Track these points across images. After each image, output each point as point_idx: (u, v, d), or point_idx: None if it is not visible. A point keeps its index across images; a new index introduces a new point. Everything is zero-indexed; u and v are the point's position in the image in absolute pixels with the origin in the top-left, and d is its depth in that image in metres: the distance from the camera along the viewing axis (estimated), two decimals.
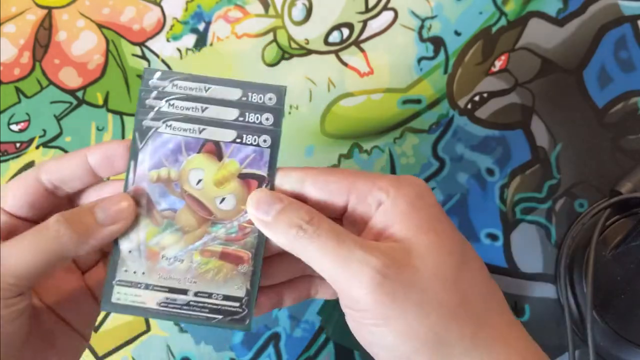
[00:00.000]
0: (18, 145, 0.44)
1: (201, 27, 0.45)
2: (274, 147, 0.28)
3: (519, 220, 0.42)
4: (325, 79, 0.44)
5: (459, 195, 0.42)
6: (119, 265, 0.29)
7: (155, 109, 0.29)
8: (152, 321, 0.42)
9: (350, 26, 0.45)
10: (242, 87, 0.28)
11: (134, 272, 0.29)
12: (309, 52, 0.44)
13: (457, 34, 0.44)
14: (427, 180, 0.42)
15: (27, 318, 0.27)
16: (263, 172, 0.28)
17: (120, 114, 0.45)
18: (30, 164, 0.44)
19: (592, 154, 0.42)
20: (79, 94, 0.45)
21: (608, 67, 0.43)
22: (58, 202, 0.29)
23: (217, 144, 0.28)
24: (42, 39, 0.46)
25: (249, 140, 0.28)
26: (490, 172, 0.42)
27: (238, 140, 0.28)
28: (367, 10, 0.45)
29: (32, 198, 0.28)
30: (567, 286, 0.39)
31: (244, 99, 0.28)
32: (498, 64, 0.43)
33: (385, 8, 0.45)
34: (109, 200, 0.27)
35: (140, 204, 0.29)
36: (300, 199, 0.27)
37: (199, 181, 0.28)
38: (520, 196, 0.42)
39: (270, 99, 0.27)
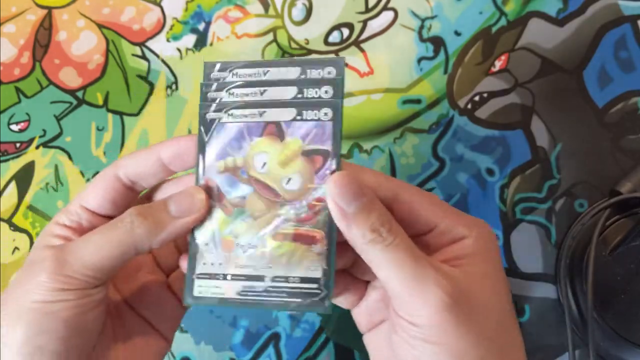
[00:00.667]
0: (18, 145, 0.44)
1: (201, 27, 0.45)
2: (336, 119, 0.27)
3: (519, 220, 0.42)
4: None
5: (459, 195, 0.42)
6: (197, 258, 0.29)
7: (217, 100, 0.28)
8: None
9: (350, 26, 0.45)
10: (301, 64, 0.27)
11: (212, 264, 0.29)
12: (309, 52, 0.44)
13: (457, 34, 0.44)
14: (427, 180, 0.42)
15: (104, 310, 0.28)
16: (327, 146, 0.27)
17: (121, 113, 0.45)
18: (30, 164, 0.44)
19: (592, 154, 0.42)
20: (79, 94, 0.45)
21: (608, 67, 0.43)
22: (136, 198, 0.30)
23: (277, 124, 0.27)
24: (42, 39, 0.46)
25: (309, 116, 0.27)
26: (490, 172, 0.42)
27: (298, 117, 0.27)
28: (367, 10, 0.45)
29: (112, 195, 0.29)
30: (567, 286, 0.39)
31: (302, 76, 0.27)
32: (498, 64, 0.43)
33: (385, 8, 0.45)
34: (181, 193, 0.28)
35: (212, 196, 0.29)
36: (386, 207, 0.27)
37: (264, 164, 0.28)
38: (520, 196, 0.42)
39: (329, 72, 0.27)
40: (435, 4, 0.44)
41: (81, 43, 0.46)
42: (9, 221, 0.44)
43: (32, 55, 0.45)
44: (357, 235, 0.26)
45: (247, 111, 0.28)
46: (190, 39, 0.45)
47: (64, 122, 0.45)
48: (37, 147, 0.44)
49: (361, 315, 0.32)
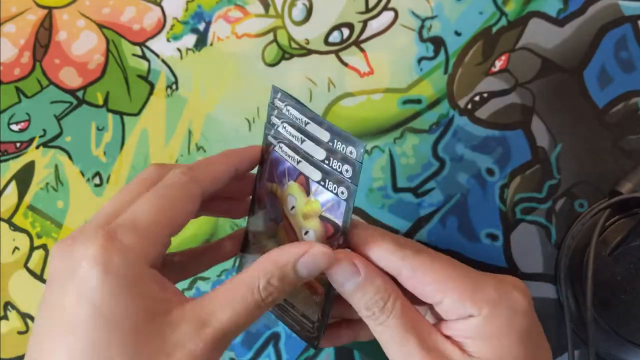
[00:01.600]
0: (18, 145, 0.44)
1: (201, 27, 0.45)
2: (349, 201, 0.27)
3: (519, 220, 0.42)
4: (325, 79, 0.44)
5: (459, 196, 0.42)
6: (246, 248, 0.31)
7: (275, 127, 0.29)
8: None
9: (350, 26, 0.45)
10: (330, 130, 0.27)
11: (249, 260, 0.31)
12: (309, 52, 0.44)
13: (458, 34, 0.44)
14: (427, 180, 0.42)
15: None
16: (338, 221, 0.27)
17: (121, 114, 0.45)
18: (30, 164, 0.44)
19: (592, 154, 0.42)
20: (79, 93, 0.45)
21: (608, 67, 0.43)
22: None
23: (307, 179, 0.28)
24: (43, 38, 0.46)
25: (330, 187, 0.27)
26: (490, 172, 0.42)
27: (322, 182, 0.28)
28: (367, 10, 0.45)
29: (192, 217, 0.28)
30: (567, 286, 0.39)
31: (330, 144, 0.27)
32: (498, 64, 0.43)
33: (385, 8, 0.45)
34: (311, 256, 0.27)
35: (261, 204, 0.31)
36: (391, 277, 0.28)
37: (292, 207, 0.29)
38: (520, 196, 0.42)
39: (351, 152, 0.26)
40: (435, 4, 0.44)
41: (81, 43, 0.46)
42: (9, 221, 0.44)
43: (32, 55, 0.45)
44: (356, 308, 0.28)
45: (290, 152, 0.29)
46: (190, 39, 0.45)
47: (64, 122, 0.45)
48: (37, 147, 0.44)
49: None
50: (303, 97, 0.44)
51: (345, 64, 0.44)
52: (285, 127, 0.29)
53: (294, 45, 0.45)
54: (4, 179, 0.44)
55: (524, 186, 0.42)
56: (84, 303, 0.23)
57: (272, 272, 0.26)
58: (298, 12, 0.45)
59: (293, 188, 0.29)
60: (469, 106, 0.43)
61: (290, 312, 0.31)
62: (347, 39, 0.44)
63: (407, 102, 0.43)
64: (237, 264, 0.42)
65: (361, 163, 0.26)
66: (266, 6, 0.45)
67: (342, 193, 0.27)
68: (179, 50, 0.45)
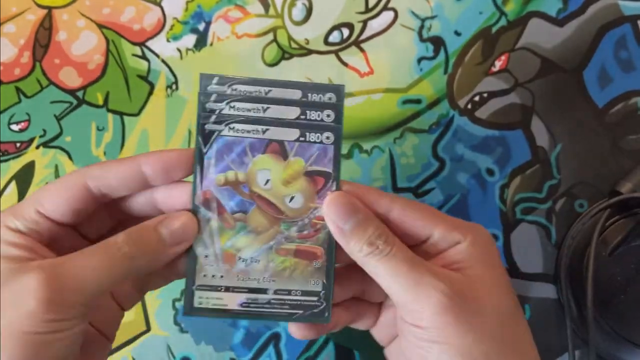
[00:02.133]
0: (18, 145, 0.44)
1: (201, 27, 0.45)
2: (337, 143, 0.28)
3: (519, 221, 0.42)
4: (325, 79, 0.44)
5: (459, 196, 0.42)
6: (197, 271, 0.29)
7: (217, 112, 0.28)
8: (152, 321, 0.42)
9: (350, 26, 0.45)
10: (302, 88, 0.28)
11: (212, 276, 0.29)
12: (309, 52, 0.44)
13: (457, 34, 0.44)
14: (427, 180, 0.42)
15: (79, 343, 0.26)
16: (328, 168, 0.28)
17: (121, 114, 0.45)
18: (30, 164, 0.44)
19: (592, 154, 0.42)
20: (79, 93, 0.45)
21: (608, 67, 0.43)
22: (102, 206, 0.29)
23: (281, 143, 0.28)
24: (42, 38, 0.46)
25: (312, 138, 0.28)
26: (490, 172, 0.42)
27: (302, 138, 0.28)
28: (367, 10, 0.45)
29: (76, 205, 0.27)
30: (567, 286, 0.39)
31: (304, 99, 0.28)
32: (498, 64, 0.43)
33: (385, 8, 0.45)
34: (172, 219, 0.28)
35: (211, 208, 0.29)
36: (383, 222, 0.29)
37: (267, 181, 0.29)
38: (521, 196, 0.42)
39: (330, 98, 0.27)
40: (435, 4, 0.44)
41: (81, 43, 0.46)
42: None
43: (32, 55, 0.45)
44: (356, 250, 0.28)
45: (249, 127, 0.28)
46: (190, 39, 0.45)
47: (64, 122, 0.45)
48: (37, 147, 0.44)
49: (379, 333, 0.34)
50: None
51: (345, 64, 0.44)
52: (234, 105, 0.28)
53: (293, 45, 0.45)
54: (4, 179, 0.44)
55: (524, 186, 0.42)
56: None
57: (133, 230, 0.27)
58: (298, 12, 0.45)
59: (262, 161, 0.28)
60: (469, 106, 0.43)
61: (286, 300, 0.30)
62: (347, 39, 0.44)
63: (407, 102, 0.43)
64: None
65: (342, 103, 0.27)
66: (266, 6, 0.45)
67: (328, 138, 0.28)
68: (179, 50, 0.45)
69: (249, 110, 0.28)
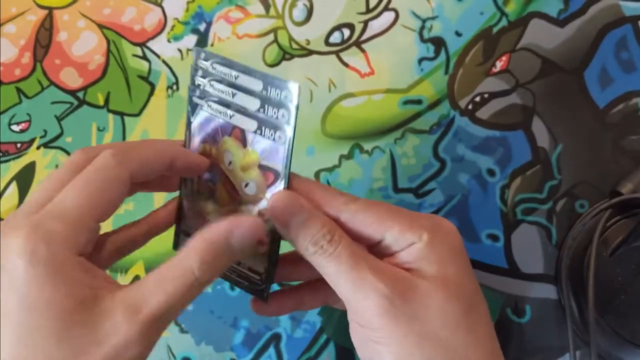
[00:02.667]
0: (19, 145, 0.44)
1: (202, 27, 0.45)
2: (288, 145, 0.27)
3: (520, 221, 0.42)
4: (326, 80, 0.44)
5: (459, 196, 0.42)
6: (182, 216, 0.32)
7: (201, 87, 0.29)
8: None
9: (351, 27, 0.45)
10: (263, 79, 0.27)
11: (189, 226, 0.31)
12: (310, 52, 0.44)
13: (458, 34, 0.44)
14: (428, 180, 0.42)
15: None
16: (278, 167, 0.28)
17: (121, 114, 0.45)
18: (31, 165, 0.44)
19: (593, 155, 0.42)
20: (80, 94, 0.45)
21: (609, 68, 0.43)
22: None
23: (242, 131, 0.28)
24: (43, 39, 0.46)
25: (267, 134, 0.28)
26: (491, 172, 0.42)
27: (258, 131, 0.28)
28: (368, 10, 0.45)
29: (120, 201, 0.27)
30: (568, 287, 0.39)
31: (264, 92, 0.27)
32: (499, 65, 0.43)
33: (386, 8, 0.45)
34: (243, 231, 0.27)
35: None
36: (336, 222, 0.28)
37: (230, 163, 0.29)
38: (521, 197, 0.42)
39: (285, 96, 0.27)
40: (436, 5, 0.44)
41: (82, 43, 0.46)
42: None
43: (32, 56, 0.45)
44: (302, 248, 0.27)
45: (221, 108, 0.29)
46: (191, 40, 0.45)
47: (64, 122, 0.45)
48: (37, 148, 0.44)
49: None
50: (304, 98, 0.44)
51: (346, 65, 0.44)
52: (212, 85, 0.29)
53: (294, 45, 0.45)
54: (4, 180, 0.44)
55: (525, 187, 0.42)
56: (12, 293, 0.23)
57: (206, 250, 0.26)
58: (298, 13, 0.45)
59: (228, 143, 0.29)
60: (470, 107, 0.43)
61: (236, 269, 0.31)
62: (348, 39, 0.44)
63: (407, 102, 0.43)
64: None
65: (297, 105, 0.26)
66: (267, 7, 0.45)
67: (279, 138, 0.27)
68: (179, 50, 0.45)
69: (222, 92, 0.29)
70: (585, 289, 0.38)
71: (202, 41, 0.45)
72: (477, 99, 0.43)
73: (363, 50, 0.44)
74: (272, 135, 0.27)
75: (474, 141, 0.43)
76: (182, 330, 0.42)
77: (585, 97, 0.43)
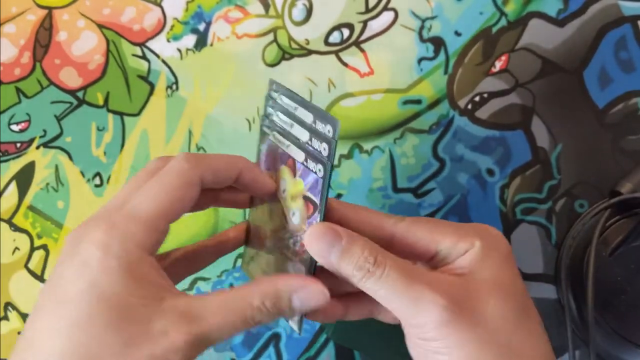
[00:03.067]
0: (18, 145, 0.44)
1: (201, 27, 0.45)
2: (325, 179, 0.27)
3: (519, 221, 0.42)
4: (325, 80, 0.44)
5: (459, 196, 0.42)
6: (249, 239, 0.34)
7: (270, 117, 0.31)
8: None
9: (350, 26, 0.45)
10: (314, 112, 0.28)
11: (254, 246, 0.34)
12: (309, 52, 0.44)
13: (458, 34, 0.44)
14: (427, 180, 0.42)
15: None
16: (317, 199, 0.28)
17: (121, 114, 0.45)
18: (30, 164, 0.44)
19: (592, 155, 0.42)
20: (80, 94, 0.45)
21: (608, 68, 0.43)
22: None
23: (294, 161, 0.29)
24: (43, 39, 0.46)
25: (311, 166, 0.28)
26: (490, 172, 0.42)
27: (305, 163, 0.29)
28: (368, 10, 0.45)
29: (191, 204, 0.28)
30: (567, 287, 0.39)
31: (313, 124, 0.28)
32: (498, 65, 0.43)
33: (385, 8, 0.45)
34: (308, 291, 0.28)
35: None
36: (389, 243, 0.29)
37: (284, 190, 0.30)
38: (521, 197, 0.42)
39: (328, 131, 0.27)
40: (435, 5, 0.44)
41: (81, 43, 0.46)
42: (9, 221, 0.44)
43: (32, 56, 0.45)
44: (348, 276, 0.27)
45: (281, 138, 0.30)
46: (190, 39, 0.45)
47: (64, 122, 0.45)
48: (37, 148, 0.44)
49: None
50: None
51: (346, 65, 0.44)
52: (278, 115, 0.30)
53: (294, 45, 0.45)
54: (4, 180, 0.44)
55: (524, 186, 0.42)
56: (81, 280, 0.25)
57: (269, 295, 0.27)
58: (298, 13, 0.45)
59: (284, 172, 0.30)
60: (469, 106, 0.43)
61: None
62: (347, 39, 0.45)
63: (407, 102, 0.43)
64: (238, 264, 0.42)
65: (336, 141, 0.27)
66: (266, 6, 0.45)
67: (320, 171, 0.28)
68: (179, 50, 0.45)
69: (284, 122, 0.30)
70: (584, 289, 0.38)
71: (202, 41, 0.45)
72: (477, 98, 0.43)
73: (362, 50, 0.44)
74: (314, 167, 0.28)
75: (474, 141, 0.43)
76: None
77: (584, 97, 0.43)
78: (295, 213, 0.29)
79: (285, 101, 0.30)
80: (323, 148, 0.27)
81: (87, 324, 0.24)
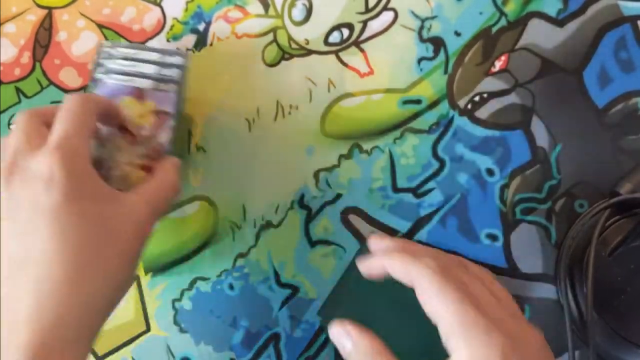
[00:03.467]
0: None
1: (201, 27, 0.45)
2: (179, 93, 0.40)
3: (519, 221, 0.42)
4: (325, 80, 0.44)
5: (459, 196, 0.42)
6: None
7: (104, 66, 0.40)
8: (151, 321, 0.42)
9: (350, 26, 0.45)
10: (159, 52, 0.40)
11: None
12: (309, 52, 0.45)
13: (457, 34, 0.44)
14: (427, 180, 0.42)
15: None
16: (170, 109, 0.39)
17: None
18: None
19: (592, 155, 0.42)
20: None
21: (608, 68, 0.43)
22: None
23: (140, 90, 0.39)
24: (43, 39, 0.46)
25: (162, 88, 0.40)
26: (490, 172, 0.42)
27: (155, 88, 0.40)
28: (367, 10, 0.45)
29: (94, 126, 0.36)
30: (567, 287, 0.39)
31: (160, 60, 0.40)
32: (498, 64, 0.43)
33: (385, 8, 0.45)
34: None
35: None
36: None
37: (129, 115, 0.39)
38: (520, 196, 0.42)
39: (177, 60, 0.40)
40: (435, 5, 0.44)
41: (81, 43, 0.46)
42: None
43: (32, 56, 0.45)
44: None
45: (122, 77, 0.40)
46: (190, 40, 0.45)
47: None
48: None
49: None
50: (303, 97, 0.44)
51: (345, 65, 0.44)
52: (116, 61, 0.40)
53: (293, 45, 0.45)
54: None
55: (524, 186, 0.42)
56: (53, 192, 0.30)
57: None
58: (298, 13, 0.45)
59: (125, 101, 0.39)
60: (469, 106, 0.43)
61: None
62: (347, 39, 0.45)
63: (407, 102, 0.43)
64: (238, 263, 0.42)
65: (186, 65, 0.41)
66: (266, 6, 0.45)
67: (172, 89, 0.40)
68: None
69: (124, 65, 0.40)
70: (584, 289, 0.38)
71: (201, 41, 0.45)
72: (477, 98, 0.43)
73: (362, 50, 0.44)
74: (167, 87, 0.40)
75: (473, 141, 0.43)
76: (182, 330, 0.42)
77: (584, 97, 0.43)
78: (145, 127, 0.39)
79: (122, 50, 0.40)
80: (174, 72, 0.40)
81: (75, 201, 0.31)
